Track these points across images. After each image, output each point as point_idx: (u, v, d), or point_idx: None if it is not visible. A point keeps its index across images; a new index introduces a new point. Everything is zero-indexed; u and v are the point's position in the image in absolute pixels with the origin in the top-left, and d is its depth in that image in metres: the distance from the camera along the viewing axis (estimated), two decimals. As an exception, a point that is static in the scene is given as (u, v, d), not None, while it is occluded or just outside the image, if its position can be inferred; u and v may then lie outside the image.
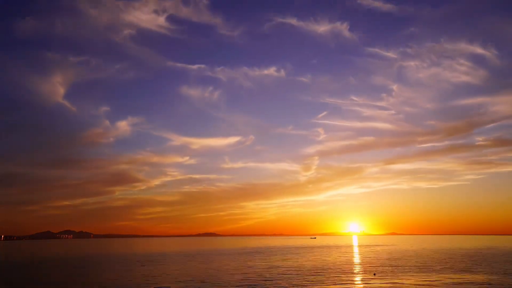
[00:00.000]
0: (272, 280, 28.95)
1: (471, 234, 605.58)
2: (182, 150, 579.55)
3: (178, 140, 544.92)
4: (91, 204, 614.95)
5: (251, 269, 38.16)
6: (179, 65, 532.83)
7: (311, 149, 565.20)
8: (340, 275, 31.70)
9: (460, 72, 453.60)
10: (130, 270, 38.86)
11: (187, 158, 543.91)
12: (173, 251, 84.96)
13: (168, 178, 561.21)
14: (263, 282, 28.19)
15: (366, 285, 26.08)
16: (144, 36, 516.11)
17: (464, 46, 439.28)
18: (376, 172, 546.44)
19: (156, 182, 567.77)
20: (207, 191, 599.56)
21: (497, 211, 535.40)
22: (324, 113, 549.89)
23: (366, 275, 32.02)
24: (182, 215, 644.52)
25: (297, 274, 32.77)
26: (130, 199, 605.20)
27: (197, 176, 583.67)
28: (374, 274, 32.02)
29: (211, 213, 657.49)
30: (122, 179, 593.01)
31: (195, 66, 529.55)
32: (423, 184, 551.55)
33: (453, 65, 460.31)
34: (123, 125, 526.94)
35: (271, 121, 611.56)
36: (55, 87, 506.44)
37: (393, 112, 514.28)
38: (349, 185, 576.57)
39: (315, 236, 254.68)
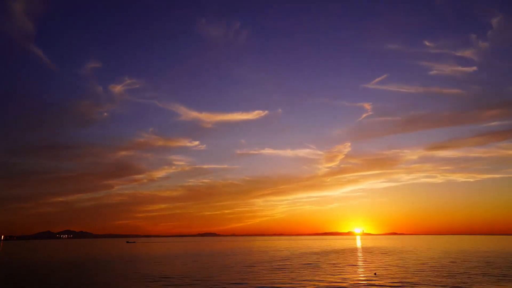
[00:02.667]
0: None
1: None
2: (191, 129, 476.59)
3: (187, 115, 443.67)
4: (87, 200, 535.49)
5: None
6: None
7: (345, 130, 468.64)
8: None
9: None
10: None
11: (196, 143, 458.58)
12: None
13: (172, 170, 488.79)
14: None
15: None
16: None
17: None
18: (412, 161, 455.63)
19: (159, 174, 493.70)
20: (214, 185, 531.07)
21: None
22: (383, 76, 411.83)
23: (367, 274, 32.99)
24: (185, 213, 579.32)
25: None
26: (130, 195, 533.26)
27: (205, 166, 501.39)
28: (375, 274, 32.76)
29: (216, 211, 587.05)
30: (121, 170, 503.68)
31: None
32: (460, 177, 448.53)
33: None
34: (119, 92, 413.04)
35: (308, 84, 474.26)
36: (18, 21, 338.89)
37: (474, 68, 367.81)
38: (375, 179, 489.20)
39: (135, 241, 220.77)
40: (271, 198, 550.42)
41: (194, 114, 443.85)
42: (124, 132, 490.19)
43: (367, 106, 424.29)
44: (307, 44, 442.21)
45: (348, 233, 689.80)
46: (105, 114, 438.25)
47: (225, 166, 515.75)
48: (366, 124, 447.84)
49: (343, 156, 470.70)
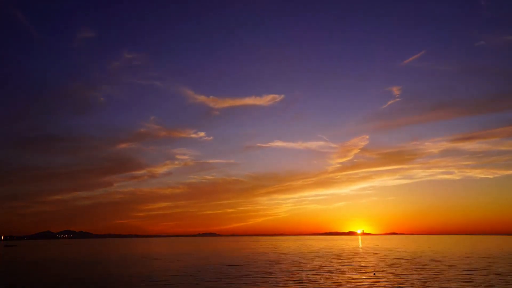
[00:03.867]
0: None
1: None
2: (197, 118, 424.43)
3: (193, 99, 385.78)
4: (86, 199, 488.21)
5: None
6: None
7: (364, 119, 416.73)
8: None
9: None
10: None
11: (202, 134, 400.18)
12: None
13: (175, 165, 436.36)
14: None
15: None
16: None
17: None
18: (432, 155, 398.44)
19: (161, 170, 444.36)
20: (217, 182, 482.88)
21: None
22: (421, 52, 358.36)
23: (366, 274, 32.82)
24: (186, 212, 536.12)
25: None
26: (130, 192, 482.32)
27: (210, 161, 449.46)
28: (374, 274, 32.65)
29: (218, 210, 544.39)
30: (120, 166, 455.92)
31: None
32: (479, 173, 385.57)
33: None
34: (117, 70, 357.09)
35: (335, 60, 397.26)
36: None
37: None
38: (388, 175, 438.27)
39: (15, 244, 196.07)
40: (276, 196, 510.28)
41: (201, 98, 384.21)
42: (123, 120, 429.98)
43: (396, 90, 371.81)
44: (338, 7, 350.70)
45: (349, 233, 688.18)
46: (102, 98, 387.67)
47: (232, 160, 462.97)
48: (390, 111, 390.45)
49: (358, 151, 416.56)
